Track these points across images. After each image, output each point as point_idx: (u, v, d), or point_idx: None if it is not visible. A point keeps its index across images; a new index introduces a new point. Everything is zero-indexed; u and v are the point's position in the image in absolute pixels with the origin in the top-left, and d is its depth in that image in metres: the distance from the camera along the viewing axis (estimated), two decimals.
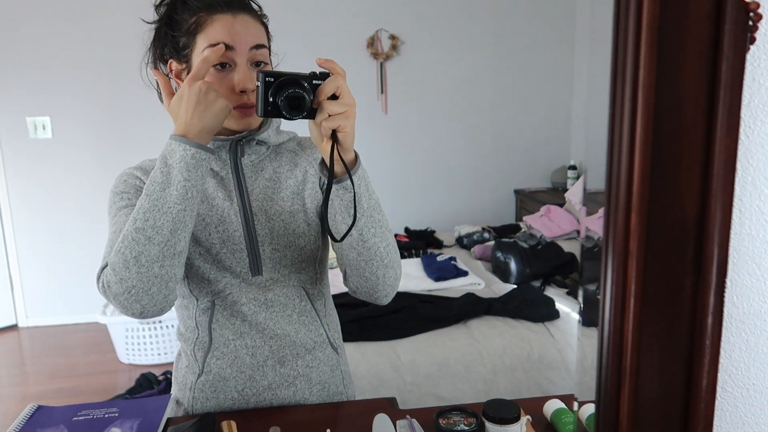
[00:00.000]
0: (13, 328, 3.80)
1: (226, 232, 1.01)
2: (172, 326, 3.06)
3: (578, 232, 3.29)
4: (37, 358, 3.41)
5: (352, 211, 0.90)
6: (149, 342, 3.07)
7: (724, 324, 0.58)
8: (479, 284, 2.58)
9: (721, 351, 0.57)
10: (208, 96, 0.86)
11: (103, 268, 0.91)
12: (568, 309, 2.24)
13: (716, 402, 0.56)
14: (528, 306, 2.22)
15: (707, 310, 0.55)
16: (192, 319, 1.06)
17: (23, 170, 3.65)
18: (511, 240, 2.93)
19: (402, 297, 2.31)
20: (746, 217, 0.59)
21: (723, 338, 0.58)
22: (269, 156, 1.07)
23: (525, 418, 0.95)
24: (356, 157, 0.91)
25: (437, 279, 2.61)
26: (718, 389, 0.57)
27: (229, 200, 1.03)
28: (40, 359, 3.37)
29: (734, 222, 0.57)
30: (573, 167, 3.95)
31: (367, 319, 2.08)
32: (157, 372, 2.84)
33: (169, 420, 1.02)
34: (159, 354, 3.09)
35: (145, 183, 1.01)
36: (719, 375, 0.57)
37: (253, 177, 1.05)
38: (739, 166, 0.56)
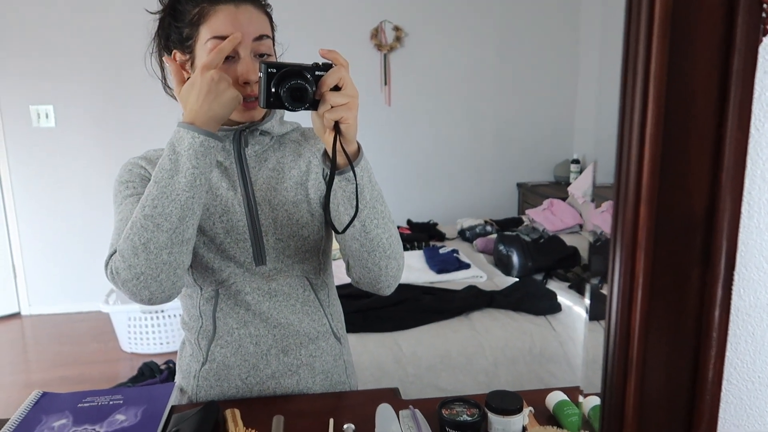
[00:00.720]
0: (16, 316, 3.81)
1: (230, 221, 1.01)
2: (175, 316, 3.07)
3: (581, 226, 3.29)
4: (39, 346, 3.42)
5: (355, 203, 0.90)
6: (151, 331, 3.08)
7: (731, 317, 0.58)
8: (481, 277, 2.59)
9: (728, 343, 0.57)
10: (220, 85, 0.86)
11: (111, 255, 0.91)
12: (570, 302, 2.24)
13: (722, 394, 0.56)
14: (530, 299, 2.22)
15: (714, 303, 0.55)
16: (196, 308, 1.07)
17: (26, 159, 3.65)
18: (514, 233, 2.93)
19: (404, 289, 2.31)
20: (755, 211, 0.59)
21: (729, 331, 0.58)
22: (273, 146, 1.07)
23: (527, 410, 0.96)
24: (359, 148, 0.91)
25: (439, 271, 2.61)
26: (724, 381, 0.57)
27: (233, 190, 1.03)
28: (43, 347, 3.39)
29: (743, 215, 0.57)
30: (576, 161, 3.95)
31: (370, 311, 2.09)
32: (160, 361, 2.85)
33: (173, 408, 1.02)
34: (161, 343, 3.10)
35: (149, 172, 1.01)
36: (725, 367, 0.57)
37: (256, 167, 1.05)
38: (748, 159, 0.56)
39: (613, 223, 0.53)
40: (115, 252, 0.90)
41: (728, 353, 0.59)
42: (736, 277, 0.57)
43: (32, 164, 3.66)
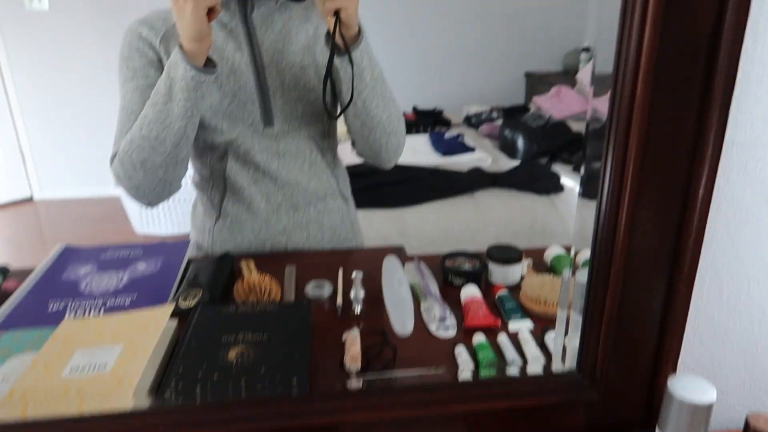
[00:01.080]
0: (29, 201, 3.89)
1: (237, 82, 1.02)
2: (186, 199, 3.13)
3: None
4: (54, 229, 3.53)
5: (357, 84, 0.93)
6: (164, 214, 3.16)
7: (725, 148, 0.60)
8: (486, 160, 2.61)
9: (720, 173, 0.59)
10: (178, 3, 0.84)
11: (113, 156, 0.97)
12: (573, 184, 2.27)
13: (709, 216, 0.59)
14: (534, 180, 2.26)
15: (710, 131, 0.56)
16: (207, 168, 1.10)
17: (23, 44, 3.57)
18: (520, 119, 2.91)
19: (410, 169, 2.34)
20: (759, 42, 0.59)
21: (723, 161, 0.60)
22: (279, 9, 1.05)
23: (526, 261, 1.01)
24: (359, 31, 0.90)
25: (444, 153, 2.64)
26: (713, 206, 0.60)
27: (240, 51, 1.02)
28: (58, 230, 3.49)
29: (747, 45, 0.58)
30: (586, 49, 3.83)
31: (375, 188, 2.13)
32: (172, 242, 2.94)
33: (189, 260, 1.08)
34: (173, 225, 3.19)
35: (150, 41, 0.99)
36: (714, 194, 0.60)
37: (263, 29, 1.03)
38: None
39: (618, 44, 0.54)
40: (116, 154, 0.95)
41: (720, 182, 0.62)
42: (733, 107, 0.58)
43: (29, 49, 3.59)
